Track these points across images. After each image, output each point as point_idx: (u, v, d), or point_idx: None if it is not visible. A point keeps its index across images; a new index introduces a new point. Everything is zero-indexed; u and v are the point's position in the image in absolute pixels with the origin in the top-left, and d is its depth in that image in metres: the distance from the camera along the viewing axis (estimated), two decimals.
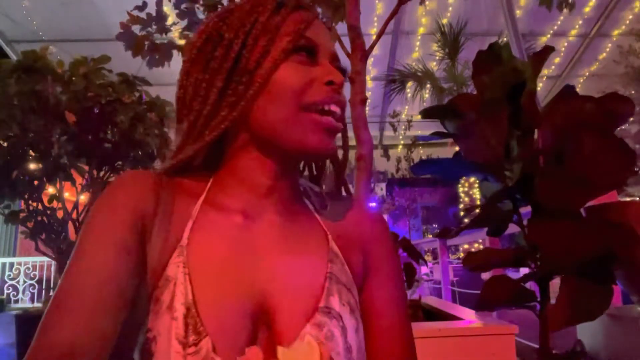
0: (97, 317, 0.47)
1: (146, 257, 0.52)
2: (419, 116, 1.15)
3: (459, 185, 8.79)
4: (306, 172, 0.70)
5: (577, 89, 1.03)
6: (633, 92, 6.84)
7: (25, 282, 6.71)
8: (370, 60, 4.87)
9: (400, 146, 9.21)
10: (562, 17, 7.32)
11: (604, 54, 8.32)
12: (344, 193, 0.70)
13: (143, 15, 2.57)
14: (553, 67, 8.50)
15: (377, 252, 0.63)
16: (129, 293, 0.50)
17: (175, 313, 0.49)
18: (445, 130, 1.14)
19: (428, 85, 7.55)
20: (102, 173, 3.23)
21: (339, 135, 0.60)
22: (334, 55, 0.59)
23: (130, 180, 0.56)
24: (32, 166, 2.95)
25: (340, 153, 0.67)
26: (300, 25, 0.56)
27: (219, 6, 2.25)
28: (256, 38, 0.55)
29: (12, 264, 6.86)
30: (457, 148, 1.12)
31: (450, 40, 7.06)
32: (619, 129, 0.94)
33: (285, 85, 0.54)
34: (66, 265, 0.51)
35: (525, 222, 1.17)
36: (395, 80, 7.66)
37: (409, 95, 7.78)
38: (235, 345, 0.49)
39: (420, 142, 8.88)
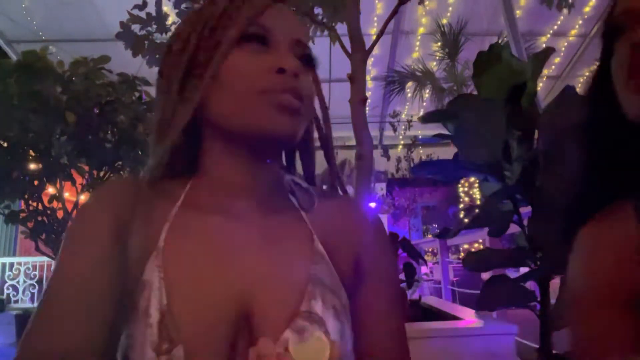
0: (81, 324, 0.47)
1: (126, 263, 0.52)
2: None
3: (459, 185, 8.77)
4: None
5: (577, 89, 1.03)
6: None
7: (25, 282, 6.70)
8: (370, 60, 4.87)
9: (400, 146, 9.20)
10: (562, 17, 7.32)
11: None
12: (340, 192, 0.66)
13: (143, 14, 2.57)
14: (553, 67, 8.49)
15: (371, 255, 0.60)
16: (112, 299, 0.50)
17: (149, 319, 0.48)
18: (446, 131, 1.14)
19: (428, 86, 7.54)
20: (102, 173, 3.23)
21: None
22: (296, 40, 0.56)
23: (108, 189, 0.57)
24: (32, 166, 2.95)
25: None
26: (250, 12, 0.54)
27: None
28: (211, 30, 0.54)
29: (12, 264, 6.85)
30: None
31: (450, 40, 7.05)
32: None
33: (235, 74, 0.52)
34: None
35: (525, 222, 1.17)
36: (395, 81, 7.66)
37: (409, 95, 7.77)
38: (212, 352, 0.48)
39: (421, 142, 8.88)
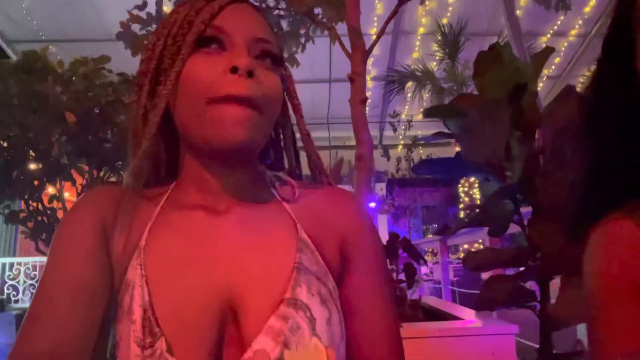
0: (72, 323, 0.49)
1: (112, 264, 0.54)
2: (419, 116, 1.15)
3: (459, 185, 8.78)
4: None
5: (577, 89, 1.03)
6: None
7: (25, 282, 6.70)
8: (370, 61, 4.88)
9: (400, 146, 9.20)
10: (562, 17, 7.32)
11: None
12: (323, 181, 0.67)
13: (143, 14, 2.57)
14: (553, 67, 8.49)
15: (357, 242, 0.60)
16: (100, 298, 0.51)
17: (133, 316, 0.49)
18: (447, 130, 1.14)
19: (428, 86, 7.54)
20: (102, 173, 3.23)
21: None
22: (255, 39, 0.55)
23: (94, 194, 0.59)
24: (32, 166, 2.95)
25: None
26: (206, 15, 0.54)
27: None
28: (173, 37, 0.55)
29: (12, 264, 6.85)
30: (458, 148, 1.12)
31: (450, 40, 7.06)
32: None
33: (190, 79, 0.52)
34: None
35: (525, 222, 1.17)
36: (395, 80, 7.66)
37: (409, 95, 7.78)
38: (196, 344, 0.49)
39: (421, 142, 8.88)
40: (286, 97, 0.64)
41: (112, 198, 0.56)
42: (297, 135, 0.67)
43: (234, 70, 0.51)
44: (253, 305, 0.51)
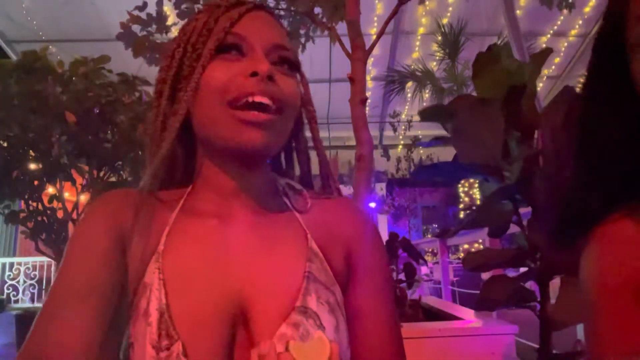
0: (82, 323, 0.50)
1: (127, 267, 0.55)
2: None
3: (459, 186, 8.78)
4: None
5: (577, 89, 1.03)
6: None
7: (25, 282, 6.71)
8: (370, 60, 4.88)
9: (400, 146, 9.20)
10: (562, 17, 7.32)
11: None
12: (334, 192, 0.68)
13: (143, 15, 2.57)
14: (553, 67, 8.49)
15: (361, 250, 0.61)
16: (111, 300, 0.52)
17: (149, 318, 0.50)
18: (445, 131, 1.14)
19: (428, 86, 7.54)
20: (102, 173, 3.23)
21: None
22: (273, 45, 0.57)
23: (110, 197, 0.60)
24: (32, 166, 2.95)
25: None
26: (226, 23, 0.56)
27: None
28: (193, 44, 0.57)
29: (12, 264, 6.86)
30: None
31: (450, 40, 7.06)
32: None
33: (210, 84, 0.54)
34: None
35: (525, 222, 1.17)
36: (395, 81, 7.66)
37: (409, 95, 7.78)
38: (209, 347, 0.50)
39: (420, 146, 8.88)
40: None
41: (128, 203, 0.58)
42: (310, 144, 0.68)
43: (254, 74, 0.53)
44: (264, 311, 0.52)
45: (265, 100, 0.53)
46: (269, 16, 0.60)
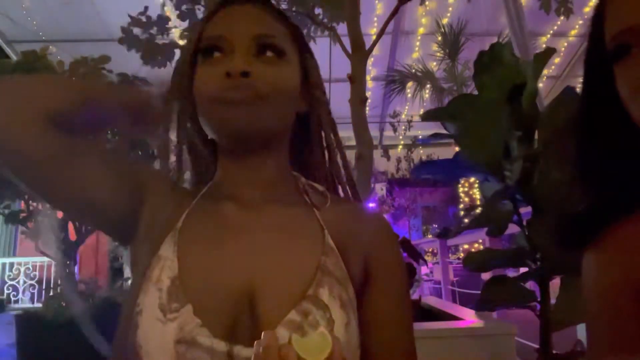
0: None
1: (135, 206, 0.59)
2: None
3: (459, 186, 8.78)
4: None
5: (577, 89, 1.03)
6: None
7: (25, 282, 6.70)
8: (370, 60, 4.87)
9: (400, 146, 9.20)
10: (562, 17, 7.32)
11: None
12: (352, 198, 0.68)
13: (143, 17, 2.57)
14: (553, 67, 8.49)
15: (381, 258, 0.61)
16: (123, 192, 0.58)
17: (160, 285, 0.52)
18: (445, 131, 1.14)
19: (428, 86, 7.54)
20: None
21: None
22: (252, 36, 0.57)
23: (155, 171, 0.64)
24: None
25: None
26: (200, 28, 0.59)
27: None
28: (191, 54, 0.60)
29: (12, 264, 6.86)
30: (457, 148, 1.12)
31: (451, 40, 7.05)
32: None
33: (197, 92, 0.58)
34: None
35: (525, 222, 1.17)
36: (395, 81, 7.66)
37: (409, 95, 7.77)
38: (217, 317, 0.50)
39: (420, 143, 8.88)
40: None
41: (166, 182, 0.61)
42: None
43: (228, 75, 0.54)
44: (274, 296, 0.52)
45: (239, 96, 0.54)
46: (251, 6, 0.60)
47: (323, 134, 0.67)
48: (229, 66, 0.54)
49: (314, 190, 0.64)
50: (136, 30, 2.56)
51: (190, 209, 0.59)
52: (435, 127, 1.10)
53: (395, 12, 2.06)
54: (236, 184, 0.61)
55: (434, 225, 10.08)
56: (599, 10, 0.56)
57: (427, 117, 1.11)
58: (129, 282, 0.60)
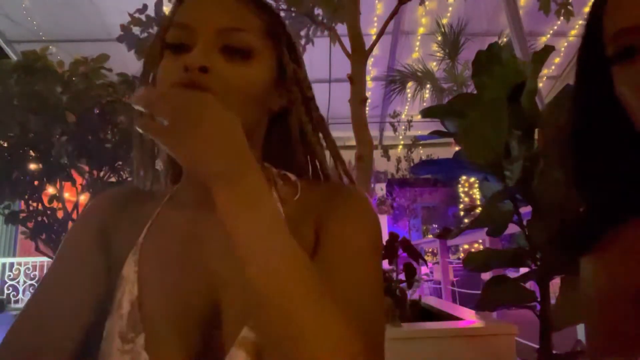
0: (59, 324, 0.52)
1: (110, 269, 0.56)
2: (419, 116, 1.15)
3: (459, 185, 8.78)
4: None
5: None
6: None
7: (25, 282, 6.71)
8: (370, 61, 4.87)
9: (400, 146, 9.20)
10: (562, 17, 7.32)
11: None
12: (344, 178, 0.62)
13: (143, 16, 2.58)
14: (553, 67, 8.49)
15: (329, 226, 0.53)
16: (91, 302, 0.54)
17: (121, 311, 0.51)
18: (445, 130, 1.14)
19: (428, 86, 7.55)
20: (102, 173, 3.22)
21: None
22: (218, 30, 0.52)
23: (97, 200, 0.62)
24: (32, 166, 2.95)
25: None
26: (166, 21, 0.57)
27: None
28: (161, 39, 0.57)
29: (12, 264, 6.86)
30: (457, 148, 1.12)
31: (450, 41, 7.06)
32: None
33: (157, 79, 0.54)
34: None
35: (525, 222, 1.17)
36: (395, 81, 7.66)
37: (409, 95, 7.78)
38: (178, 341, 0.49)
39: (421, 142, 8.88)
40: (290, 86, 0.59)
41: (114, 202, 0.60)
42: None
43: (186, 70, 0.49)
44: (237, 306, 0.50)
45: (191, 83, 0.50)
46: (216, 1, 0.55)
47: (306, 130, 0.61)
48: (186, 60, 0.50)
49: (285, 180, 0.59)
50: (135, 29, 2.56)
51: (152, 220, 0.57)
52: (435, 128, 1.10)
53: (395, 12, 2.06)
54: (199, 187, 0.53)
55: (434, 225, 10.08)
56: (598, 8, 0.54)
57: (427, 114, 1.11)
58: None
